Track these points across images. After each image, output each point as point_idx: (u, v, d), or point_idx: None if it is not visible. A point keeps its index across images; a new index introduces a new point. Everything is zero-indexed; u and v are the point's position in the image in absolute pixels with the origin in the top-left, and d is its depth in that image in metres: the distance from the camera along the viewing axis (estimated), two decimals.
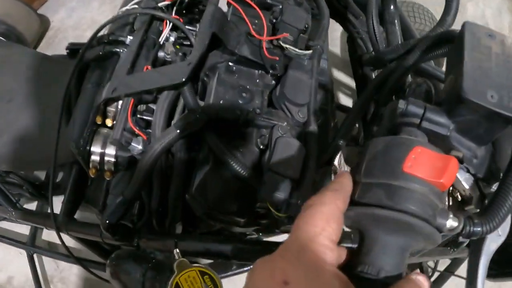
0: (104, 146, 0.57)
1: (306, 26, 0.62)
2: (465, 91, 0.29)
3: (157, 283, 0.47)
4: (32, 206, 1.14)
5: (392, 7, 0.64)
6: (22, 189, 0.99)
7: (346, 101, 1.50)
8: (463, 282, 0.94)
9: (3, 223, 1.17)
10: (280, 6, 0.61)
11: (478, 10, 1.84)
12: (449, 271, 1.15)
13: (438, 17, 1.24)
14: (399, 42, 0.60)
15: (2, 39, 1.42)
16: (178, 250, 0.48)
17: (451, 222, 0.27)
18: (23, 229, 1.20)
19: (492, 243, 0.37)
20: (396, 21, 0.63)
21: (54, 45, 1.61)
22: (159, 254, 0.56)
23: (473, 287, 0.37)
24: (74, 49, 0.96)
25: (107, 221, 0.50)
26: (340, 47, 1.57)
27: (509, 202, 0.30)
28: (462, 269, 1.13)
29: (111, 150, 0.56)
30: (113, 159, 0.57)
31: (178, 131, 0.46)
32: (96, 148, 0.57)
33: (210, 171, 0.47)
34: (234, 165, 0.45)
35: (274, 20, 0.60)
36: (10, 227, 1.23)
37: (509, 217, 0.35)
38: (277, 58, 0.54)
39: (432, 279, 1.15)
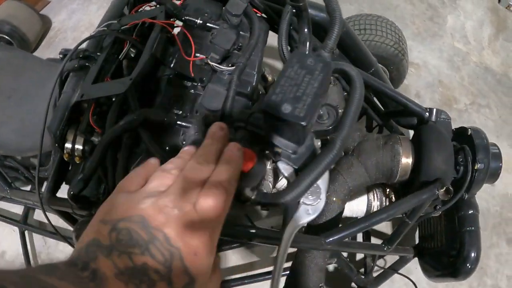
0: (74, 137, 0.79)
1: (240, 45, 0.82)
2: (265, 105, 0.43)
3: None
4: (27, 189, 1.38)
5: (305, 30, 0.82)
6: (18, 172, 1.24)
7: None
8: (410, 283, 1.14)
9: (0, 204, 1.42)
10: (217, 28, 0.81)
11: (458, 22, 1.98)
12: (393, 268, 1.32)
13: (404, 30, 1.41)
14: None
15: (8, 38, 1.67)
16: None
17: (248, 193, 0.41)
18: (17, 209, 1.44)
19: (300, 218, 0.48)
20: (307, 42, 0.81)
21: (54, 44, 1.85)
22: None
23: (278, 250, 0.48)
24: (65, 54, 1.21)
25: (71, 192, 0.72)
26: None
27: (298, 188, 0.42)
28: (411, 270, 1.30)
29: (80, 141, 0.79)
30: (81, 147, 0.79)
31: (120, 128, 0.67)
32: (69, 140, 0.80)
33: (144, 158, 0.68)
34: (159, 156, 0.66)
35: (212, 40, 0.81)
36: (6, 207, 1.47)
37: (322, 201, 0.51)
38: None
39: (375, 274, 1.32)
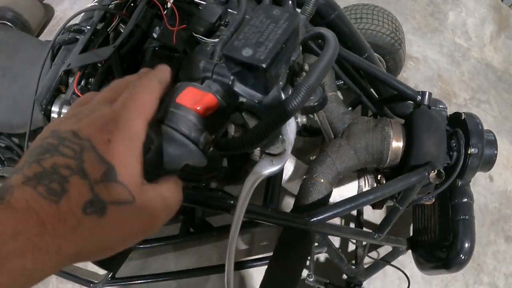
0: (61, 106, 0.81)
1: (227, 21, 0.83)
2: (225, 49, 0.42)
3: None
4: None
5: (289, 2, 0.82)
6: (13, 153, 1.25)
7: None
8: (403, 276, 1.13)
9: None
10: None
11: (459, 18, 1.97)
12: (385, 260, 1.30)
13: (404, 24, 1.41)
14: None
15: (10, 25, 1.70)
16: None
17: (205, 138, 0.39)
18: None
19: (262, 168, 0.47)
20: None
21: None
22: None
23: (237, 199, 0.47)
24: None
25: None
26: None
27: (257, 133, 0.40)
28: (405, 264, 1.28)
29: (65, 109, 0.80)
30: None
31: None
32: (55, 108, 0.81)
33: None
34: None
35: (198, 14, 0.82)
36: None
37: (287, 152, 0.49)
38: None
39: (366, 266, 1.30)
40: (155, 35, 0.75)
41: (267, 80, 0.44)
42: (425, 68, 1.78)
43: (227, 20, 0.83)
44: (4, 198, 0.25)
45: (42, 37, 1.87)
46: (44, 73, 0.88)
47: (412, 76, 1.75)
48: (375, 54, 1.30)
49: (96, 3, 0.88)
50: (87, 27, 0.85)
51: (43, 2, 1.90)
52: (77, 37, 0.86)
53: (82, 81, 0.79)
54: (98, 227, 0.28)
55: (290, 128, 0.48)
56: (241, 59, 0.42)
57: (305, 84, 0.44)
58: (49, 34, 1.89)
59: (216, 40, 0.77)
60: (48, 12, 1.89)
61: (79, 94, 0.75)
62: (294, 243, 0.93)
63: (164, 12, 0.82)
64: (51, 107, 0.80)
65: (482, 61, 1.84)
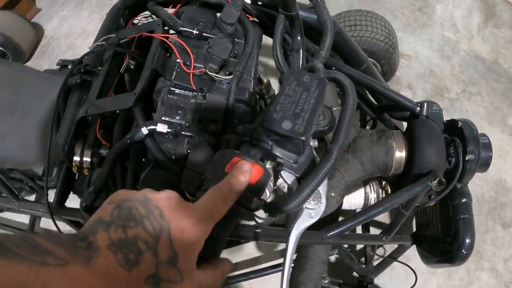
0: (82, 151, 0.84)
1: (236, 52, 0.86)
2: (266, 123, 0.48)
3: None
4: (31, 198, 1.42)
5: (298, 37, 0.87)
6: (23, 183, 1.28)
7: None
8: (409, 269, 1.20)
9: (7, 214, 1.46)
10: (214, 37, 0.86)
11: (447, 11, 2.02)
12: (392, 257, 1.38)
13: (393, 22, 1.45)
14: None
15: (2, 49, 1.69)
16: None
17: (255, 204, 0.45)
18: (23, 218, 1.49)
19: (303, 222, 0.53)
20: (300, 49, 0.86)
21: (48, 53, 1.87)
22: None
23: (285, 252, 0.54)
24: (63, 65, 1.25)
25: (84, 204, 0.77)
26: None
27: (301, 196, 0.47)
28: (410, 258, 1.36)
29: (87, 154, 0.83)
30: (89, 160, 0.84)
31: (128, 141, 0.72)
32: (77, 152, 0.84)
33: (152, 168, 0.73)
34: (166, 165, 0.71)
35: (208, 50, 0.85)
36: (13, 217, 1.51)
37: (322, 206, 0.57)
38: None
39: (375, 263, 1.38)
40: (172, 77, 0.78)
41: (304, 146, 0.50)
42: (417, 65, 1.84)
43: (235, 52, 0.87)
44: (92, 260, 0.32)
45: (34, 58, 1.86)
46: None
47: (406, 74, 1.81)
48: (370, 59, 1.35)
49: (103, 42, 0.90)
50: (98, 68, 0.88)
51: (31, 21, 1.88)
52: (88, 79, 0.88)
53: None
54: None
55: (323, 182, 0.53)
56: (282, 132, 0.47)
57: (336, 147, 0.50)
58: (41, 54, 1.88)
59: (230, 77, 0.81)
60: (38, 31, 1.87)
61: (102, 140, 0.79)
62: (312, 256, 1.00)
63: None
64: (73, 151, 0.84)
65: (471, 53, 1.90)
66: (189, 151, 0.74)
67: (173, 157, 0.74)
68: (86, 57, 0.91)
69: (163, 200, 0.39)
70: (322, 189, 0.54)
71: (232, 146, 0.57)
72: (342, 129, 0.53)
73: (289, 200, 0.48)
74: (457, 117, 1.12)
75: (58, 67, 1.25)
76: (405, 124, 1.21)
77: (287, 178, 0.54)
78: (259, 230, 0.78)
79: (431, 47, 1.89)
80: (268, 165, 0.70)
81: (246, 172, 0.45)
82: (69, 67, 1.19)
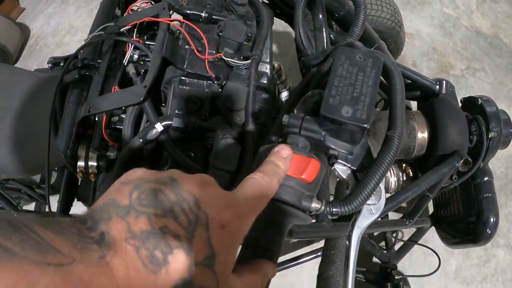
0: (87, 154, 0.73)
1: (249, 35, 0.76)
2: (322, 110, 0.40)
3: None
4: (30, 206, 1.31)
5: (320, 16, 0.78)
6: (21, 192, 1.16)
7: None
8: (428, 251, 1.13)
9: None
10: (225, 20, 0.75)
11: None
12: (413, 240, 1.32)
13: (395, 0, 1.36)
14: (325, 48, 0.75)
15: None
16: None
17: (315, 205, 0.38)
18: None
19: (364, 219, 0.47)
20: (323, 28, 0.76)
21: (36, 52, 1.74)
22: None
23: (348, 253, 0.48)
24: (55, 63, 1.12)
25: None
26: None
27: (364, 193, 0.40)
28: (427, 239, 1.30)
29: (93, 157, 0.73)
30: (95, 164, 0.73)
31: (140, 140, 0.62)
32: (81, 155, 0.73)
33: (169, 168, 0.63)
34: (186, 164, 0.61)
35: (220, 33, 0.75)
36: None
37: (383, 199, 0.49)
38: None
39: (396, 248, 1.32)
40: (184, 66, 0.68)
41: (363, 134, 0.41)
42: (420, 43, 1.75)
43: (249, 34, 0.76)
44: (106, 257, 0.23)
45: (22, 59, 1.72)
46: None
47: (410, 53, 1.72)
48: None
49: (101, 32, 0.79)
50: (98, 61, 0.76)
51: (16, 21, 1.73)
52: (87, 74, 0.77)
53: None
54: None
55: None
56: (343, 120, 0.39)
57: (396, 134, 0.42)
58: (29, 55, 1.74)
59: (248, 61, 0.71)
60: (24, 31, 1.73)
61: (109, 141, 0.68)
62: (341, 247, 0.92)
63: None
64: (77, 156, 0.73)
65: (472, 29, 1.83)
66: (209, 145, 0.65)
67: (193, 154, 0.64)
68: (82, 50, 0.80)
69: (198, 185, 0.29)
70: (382, 182, 0.45)
71: (255, 138, 0.49)
72: (398, 112, 0.44)
73: (353, 197, 0.40)
74: (464, 94, 1.05)
75: (50, 65, 1.13)
76: (414, 104, 1.13)
77: (341, 172, 0.46)
78: (292, 228, 0.69)
79: (432, 24, 1.81)
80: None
81: (286, 158, 0.37)
82: (62, 64, 1.07)
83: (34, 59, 1.71)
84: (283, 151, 0.37)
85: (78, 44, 0.79)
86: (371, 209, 0.46)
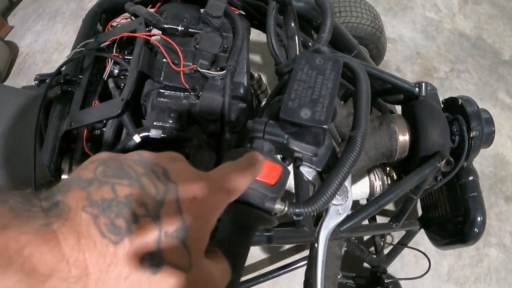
0: (70, 167, 0.76)
1: (225, 46, 0.79)
2: (282, 113, 0.41)
3: None
4: None
5: (292, 24, 0.80)
6: None
7: None
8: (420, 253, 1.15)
9: None
10: (200, 33, 0.79)
11: None
12: (402, 243, 1.34)
13: (375, 6, 1.39)
14: (296, 55, 0.78)
15: None
16: None
17: (278, 206, 0.39)
18: None
19: (332, 220, 0.48)
20: (296, 36, 0.79)
21: (25, 70, 1.78)
22: None
23: (314, 253, 0.49)
24: (41, 80, 1.16)
25: None
26: None
27: (328, 193, 0.41)
28: (418, 242, 1.31)
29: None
30: None
31: (119, 152, 0.64)
32: (64, 169, 0.76)
33: None
34: None
35: (196, 46, 0.78)
36: None
37: (350, 200, 0.51)
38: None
39: (385, 252, 1.33)
40: (161, 78, 0.71)
41: (325, 136, 0.43)
42: (403, 48, 1.79)
43: (225, 46, 0.80)
44: (53, 224, 0.20)
45: (11, 77, 1.75)
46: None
47: (393, 58, 1.76)
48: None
49: (82, 48, 0.82)
50: (79, 76, 0.79)
51: (5, 39, 1.77)
52: (69, 89, 0.80)
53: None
54: (146, 284, 0.23)
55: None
56: (302, 122, 0.40)
57: (359, 134, 0.44)
58: (18, 73, 1.77)
59: (223, 72, 0.74)
60: (13, 50, 1.77)
61: (90, 153, 0.71)
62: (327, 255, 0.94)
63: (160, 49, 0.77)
64: (60, 169, 0.75)
65: (455, 31, 1.87)
66: (187, 155, 0.67)
67: None
68: (64, 66, 0.83)
69: (167, 159, 0.28)
70: (348, 182, 0.47)
71: (232, 146, 0.51)
72: (362, 113, 0.46)
73: (316, 198, 0.42)
74: (449, 96, 1.08)
75: (36, 82, 1.16)
76: (398, 108, 1.16)
77: (307, 173, 0.47)
78: (272, 233, 0.71)
79: (415, 28, 1.86)
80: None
81: (260, 161, 0.37)
82: (48, 81, 1.10)
83: (23, 77, 1.75)
84: (257, 155, 0.38)
85: (64, 60, 0.81)
86: (338, 210, 0.47)
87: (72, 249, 0.21)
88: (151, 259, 0.23)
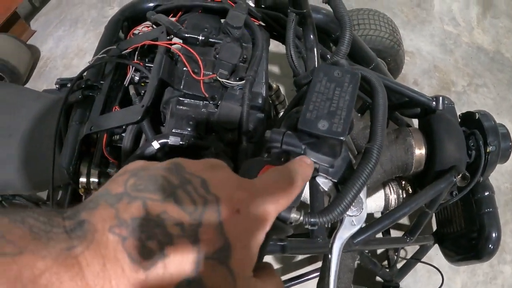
0: (88, 171, 0.77)
1: (245, 57, 0.81)
2: (300, 124, 0.42)
3: None
4: None
5: (311, 36, 0.81)
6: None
7: None
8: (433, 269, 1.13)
9: None
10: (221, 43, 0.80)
11: (444, 5, 1.98)
12: (416, 258, 1.32)
13: (393, 19, 1.40)
14: (315, 67, 0.78)
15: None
16: None
17: (294, 215, 0.38)
18: None
19: (345, 230, 0.47)
20: (315, 48, 0.80)
21: (45, 74, 1.82)
22: None
23: (328, 264, 0.49)
24: (62, 84, 1.19)
25: None
26: None
27: (343, 204, 0.41)
28: (432, 257, 1.29)
29: (94, 173, 0.77)
30: (96, 180, 0.77)
31: (138, 158, 0.66)
32: (83, 172, 0.77)
33: None
34: None
35: (216, 56, 0.79)
36: None
37: (364, 211, 0.51)
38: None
39: (399, 266, 1.31)
40: (181, 86, 0.72)
41: (341, 147, 0.44)
42: (421, 61, 1.78)
43: (244, 56, 0.81)
44: (76, 248, 0.18)
45: (31, 80, 1.80)
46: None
47: (410, 71, 1.75)
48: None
49: (104, 55, 0.84)
50: (101, 82, 0.81)
51: (27, 43, 1.82)
52: (91, 94, 0.82)
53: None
54: None
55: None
56: (319, 133, 0.41)
57: (375, 147, 0.44)
58: (38, 76, 1.82)
59: (242, 82, 0.75)
60: (34, 53, 1.81)
61: (109, 158, 0.72)
62: (340, 267, 0.93)
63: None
64: (79, 172, 0.77)
65: (473, 45, 1.86)
66: None
67: None
68: (86, 72, 0.85)
69: (206, 167, 0.25)
70: (363, 193, 0.48)
71: (249, 155, 0.51)
72: (378, 126, 0.47)
73: (331, 208, 0.42)
74: (466, 110, 1.06)
75: (57, 86, 1.19)
76: (415, 121, 1.15)
77: (323, 184, 0.47)
78: (286, 243, 0.71)
79: (433, 42, 1.85)
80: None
81: (310, 164, 0.37)
82: (68, 85, 1.13)
83: (43, 80, 1.79)
84: (306, 159, 0.38)
85: (86, 66, 0.83)
86: (353, 221, 0.47)
87: (97, 277, 0.19)
88: (188, 286, 0.21)
